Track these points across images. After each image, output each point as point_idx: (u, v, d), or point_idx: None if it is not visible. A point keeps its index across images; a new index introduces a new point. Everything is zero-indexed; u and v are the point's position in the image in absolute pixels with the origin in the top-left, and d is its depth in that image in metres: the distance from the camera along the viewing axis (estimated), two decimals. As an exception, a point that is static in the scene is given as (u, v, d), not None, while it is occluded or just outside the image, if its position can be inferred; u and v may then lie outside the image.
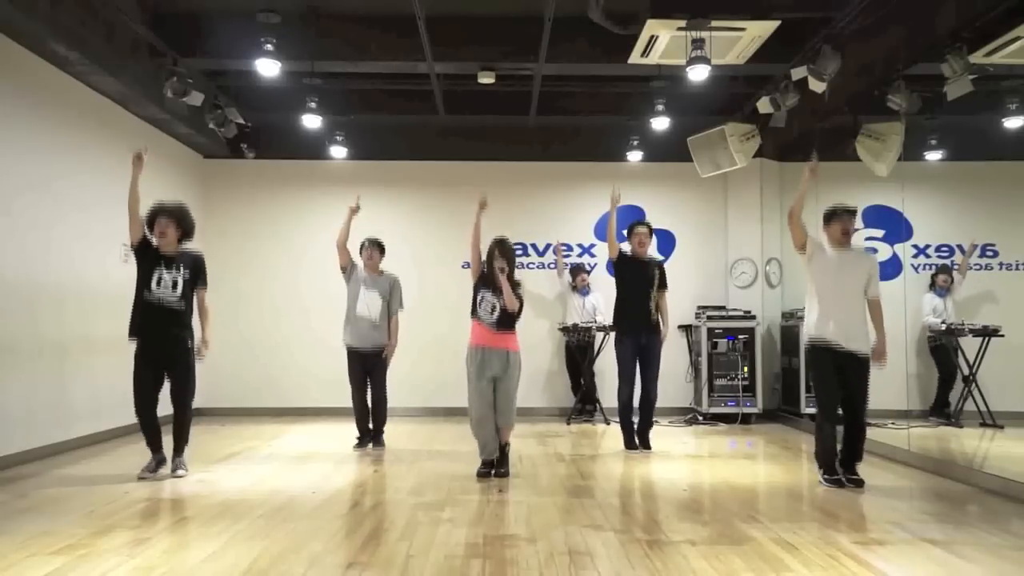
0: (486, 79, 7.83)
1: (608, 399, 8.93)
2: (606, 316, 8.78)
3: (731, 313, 9.12)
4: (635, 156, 9.64)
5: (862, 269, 5.34)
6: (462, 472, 5.74)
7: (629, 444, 6.75)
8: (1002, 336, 7.82)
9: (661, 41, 6.41)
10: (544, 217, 9.83)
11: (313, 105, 8.06)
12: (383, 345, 6.81)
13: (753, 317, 9.04)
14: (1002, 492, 5.04)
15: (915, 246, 8.77)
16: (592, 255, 9.88)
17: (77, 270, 6.91)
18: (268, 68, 6.89)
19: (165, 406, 5.62)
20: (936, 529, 4.17)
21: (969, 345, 8.01)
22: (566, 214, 9.86)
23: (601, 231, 9.87)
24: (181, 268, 5.58)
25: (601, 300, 9.09)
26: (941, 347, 8.20)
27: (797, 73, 6.64)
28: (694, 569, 3.44)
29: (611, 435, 7.73)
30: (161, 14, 7.18)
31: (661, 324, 6.79)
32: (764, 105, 7.45)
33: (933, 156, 8.48)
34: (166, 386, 5.58)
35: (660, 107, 8.35)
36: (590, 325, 8.89)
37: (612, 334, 8.63)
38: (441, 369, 9.01)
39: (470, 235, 5.84)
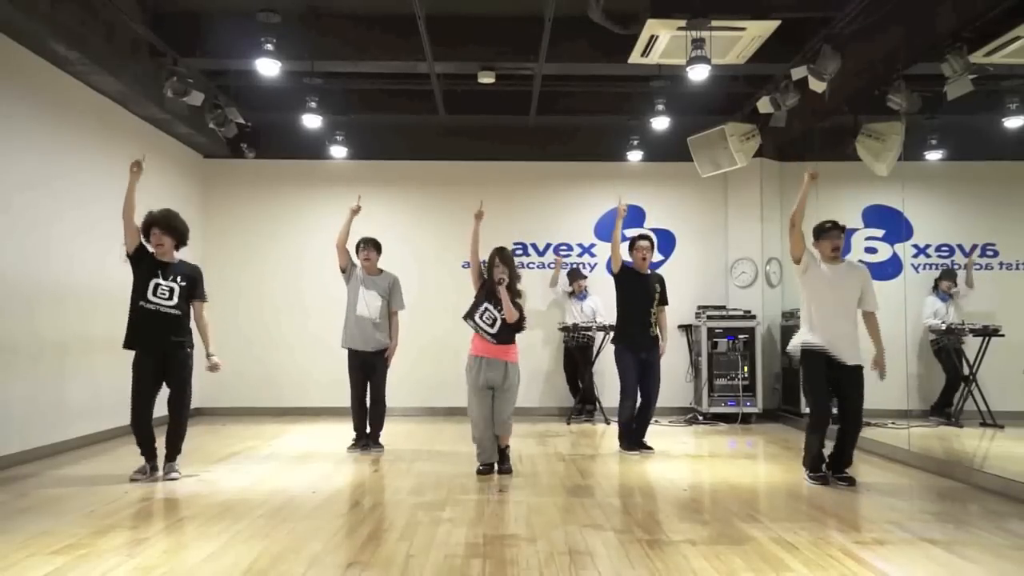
0: (486, 79, 7.83)
1: (608, 399, 8.94)
2: (606, 317, 8.78)
3: (731, 313, 9.12)
4: (635, 156, 9.64)
5: (855, 282, 5.41)
6: (462, 472, 5.74)
7: (631, 447, 6.72)
8: (1002, 336, 7.82)
9: (661, 41, 6.41)
10: (544, 217, 9.84)
11: (313, 105, 8.06)
12: (385, 345, 6.77)
13: (753, 317, 9.04)
14: (1002, 492, 5.04)
15: (915, 246, 8.77)
16: (592, 255, 9.88)
17: (77, 270, 6.91)
18: (268, 68, 6.89)
19: (159, 408, 5.61)
20: (936, 529, 4.17)
21: (969, 345, 8.01)
22: (566, 214, 9.86)
23: (602, 231, 9.87)
24: (177, 277, 5.58)
25: (599, 302, 9.09)
26: (944, 349, 8.20)
27: (797, 73, 6.63)
28: (694, 569, 3.44)
29: (611, 435, 7.73)
30: (161, 14, 7.18)
31: (660, 339, 6.74)
32: (764, 105, 7.45)
33: (933, 156, 8.47)
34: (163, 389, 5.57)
35: (660, 107, 8.35)
36: (590, 325, 8.89)
37: (612, 334, 8.67)
38: (441, 369, 9.02)
39: (469, 244, 5.81)
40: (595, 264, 9.82)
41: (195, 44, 7.26)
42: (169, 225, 5.58)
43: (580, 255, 9.88)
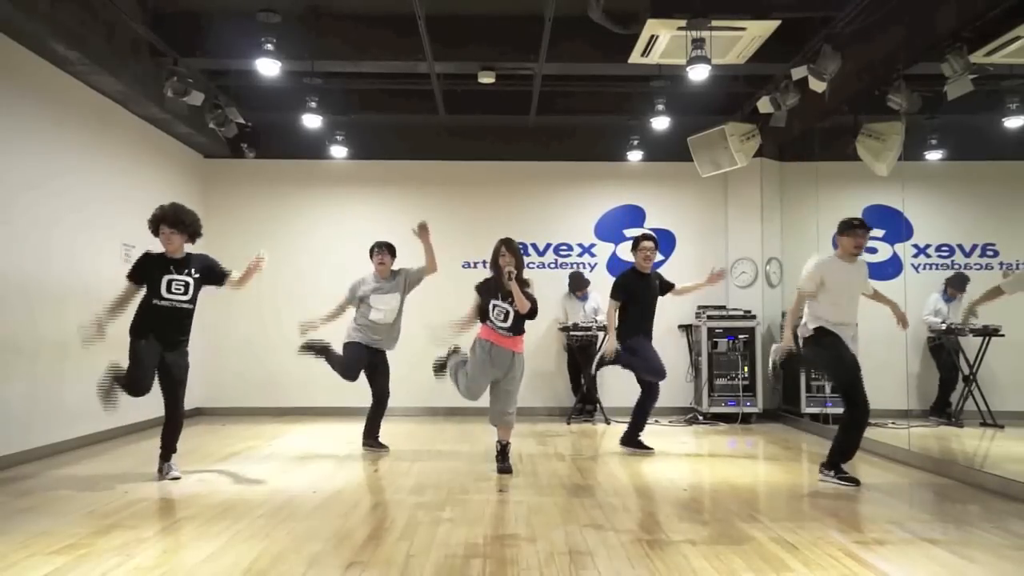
0: (486, 79, 7.83)
1: (608, 399, 8.94)
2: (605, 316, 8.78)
3: (731, 313, 9.12)
4: (635, 156, 9.64)
5: (862, 276, 5.51)
6: (462, 472, 5.74)
7: (642, 444, 6.70)
8: (1002, 336, 7.82)
9: (661, 41, 6.41)
10: (544, 217, 9.84)
11: (313, 105, 8.06)
12: (392, 344, 6.80)
13: (753, 317, 9.04)
14: (1002, 492, 5.04)
15: (915, 246, 8.77)
16: (592, 255, 9.88)
17: (77, 269, 6.91)
18: (268, 68, 6.89)
19: (156, 409, 5.60)
20: (936, 529, 4.17)
21: (969, 345, 8.01)
22: (566, 214, 9.87)
23: (602, 231, 9.88)
24: (191, 270, 5.52)
25: (600, 300, 9.09)
26: (941, 347, 8.20)
27: (797, 73, 6.64)
28: (694, 569, 3.44)
29: (611, 435, 7.73)
30: (161, 14, 7.18)
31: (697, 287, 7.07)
32: (764, 105, 7.46)
33: (933, 156, 8.47)
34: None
35: (660, 107, 8.35)
36: (591, 324, 8.89)
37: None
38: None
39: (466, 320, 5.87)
40: (595, 264, 9.81)
41: (195, 44, 7.26)
42: (177, 220, 5.47)
43: (580, 255, 9.88)
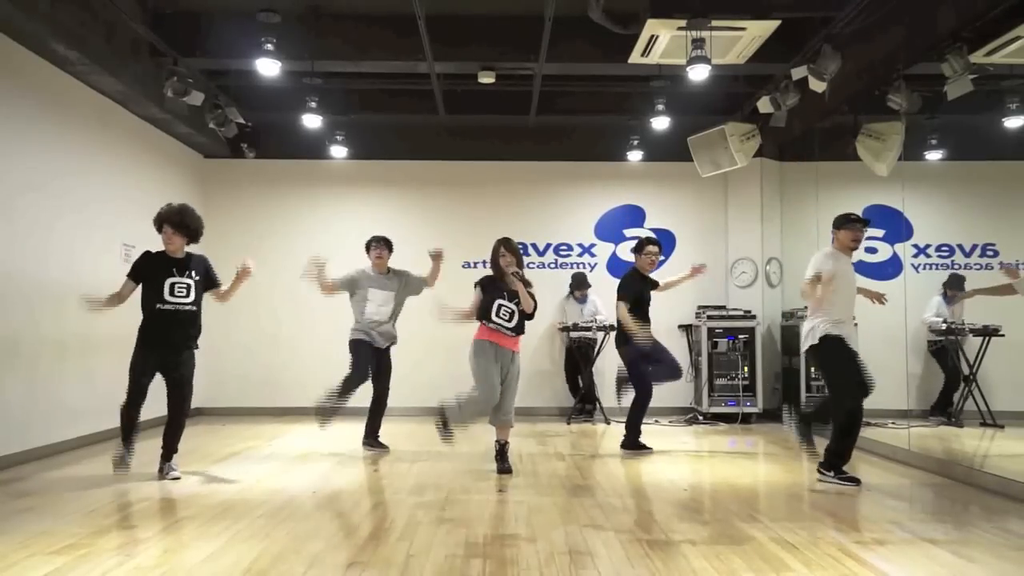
0: (486, 79, 7.83)
1: (608, 399, 8.93)
2: (607, 317, 8.78)
3: (731, 313, 9.12)
4: (635, 156, 9.64)
5: (853, 270, 5.52)
6: (462, 472, 5.74)
7: (643, 445, 6.69)
8: (1002, 336, 7.82)
9: (661, 41, 6.40)
10: (544, 217, 9.84)
11: (313, 105, 8.06)
12: (394, 341, 6.78)
13: (753, 317, 9.04)
14: (1002, 492, 5.04)
15: (915, 246, 8.77)
16: (592, 255, 9.88)
17: (77, 269, 6.90)
18: (268, 68, 6.89)
19: (156, 409, 5.61)
20: (936, 529, 4.17)
21: (969, 345, 8.01)
22: (566, 214, 9.87)
23: (602, 231, 9.88)
24: (192, 272, 5.50)
25: (599, 303, 9.10)
26: (943, 350, 8.20)
27: (797, 73, 6.63)
28: (694, 569, 3.44)
29: (611, 435, 7.73)
30: (161, 14, 7.18)
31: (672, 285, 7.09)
32: (764, 105, 7.45)
33: (933, 156, 8.47)
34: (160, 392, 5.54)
35: (660, 107, 8.35)
36: (590, 325, 8.89)
37: (612, 335, 8.66)
38: (441, 369, 9.00)
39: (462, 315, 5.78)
40: (595, 264, 9.81)
41: (195, 44, 7.26)
42: (181, 223, 5.46)
43: (580, 255, 9.88)
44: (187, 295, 5.45)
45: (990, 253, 8.71)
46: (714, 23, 6.06)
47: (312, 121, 8.32)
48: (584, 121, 9.73)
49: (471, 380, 5.76)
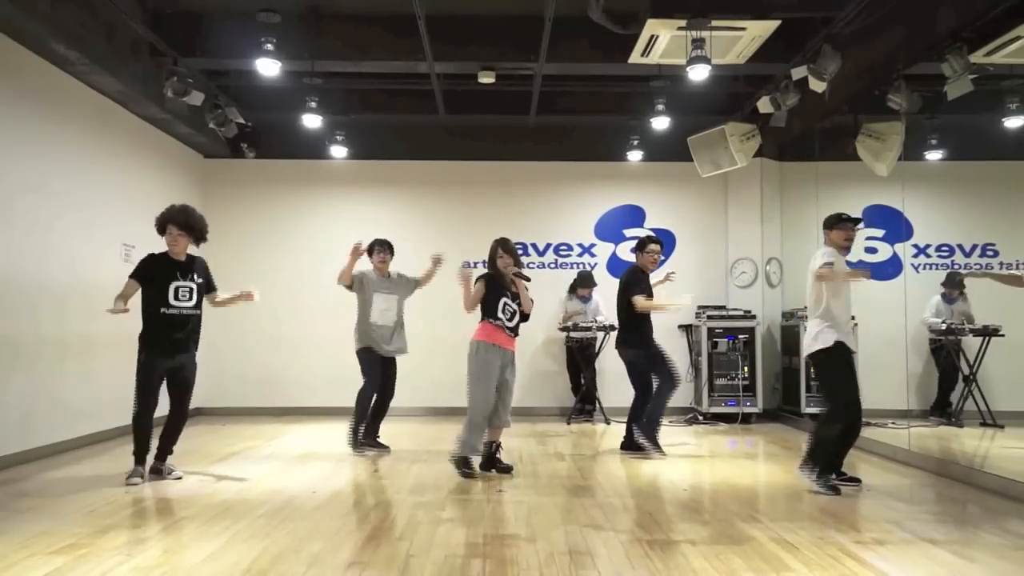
0: (486, 79, 7.83)
1: (608, 399, 8.94)
2: (608, 316, 8.77)
3: (731, 313, 9.12)
4: (635, 156, 9.64)
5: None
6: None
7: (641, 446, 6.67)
8: (1002, 336, 7.82)
9: (661, 41, 6.40)
10: (544, 217, 9.84)
11: (313, 105, 8.06)
12: (403, 348, 6.76)
13: (753, 317, 9.04)
14: (1002, 492, 5.04)
15: (915, 246, 8.77)
16: (592, 255, 9.88)
17: (77, 270, 6.91)
18: (268, 68, 6.89)
19: (156, 409, 5.60)
20: (936, 529, 4.17)
21: (969, 345, 8.01)
22: (566, 214, 9.87)
23: (602, 231, 9.88)
24: (194, 275, 5.48)
25: (600, 302, 9.08)
26: (942, 348, 8.20)
27: (797, 73, 6.64)
28: (694, 569, 3.44)
29: (611, 435, 7.73)
30: (161, 14, 7.18)
31: None
32: (764, 105, 7.45)
33: (933, 156, 8.48)
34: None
35: (660, 107, 8.35)
36: (591, 325, 8.88)
37: (612, 334, 8.65)
38: (442, 369, 9.00)
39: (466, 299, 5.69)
40: (595, 264, 9.81)
41: (195, 44, 7.26)
42: (187, 223, 5.41)
43: (580, 255, 9.88)
44: (190, 298, 5.44)
45: (990, 253, 8.72)
46: (714, 23, 6.06)
47: (312, 121, 8.32)
48: (584, 121, 9.73)
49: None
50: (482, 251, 5.89)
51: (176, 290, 5.37)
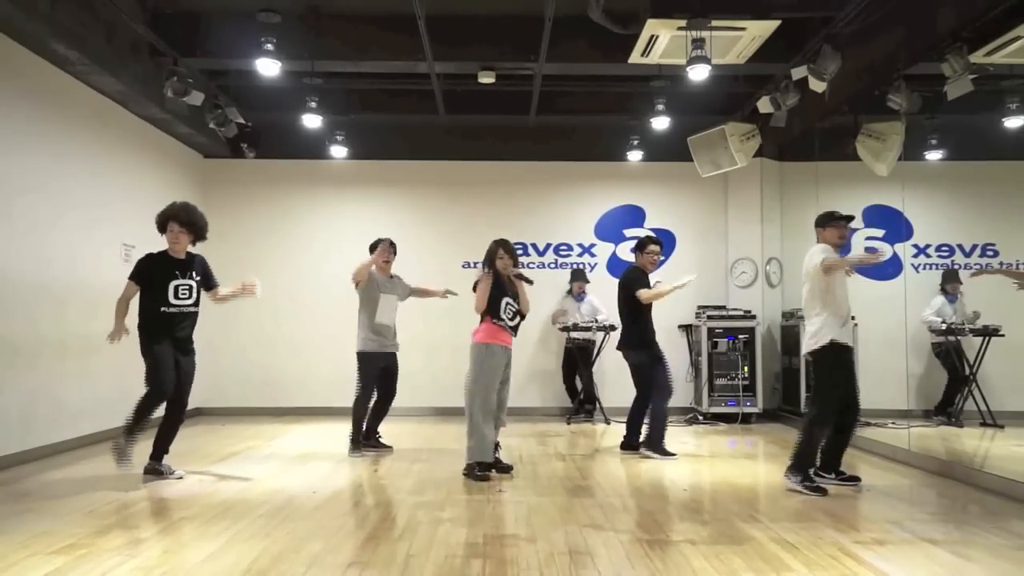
0: (486, 79, 7.83)
1: (608, 399, 8.94)
2: (607, 316, 8.77)
3: (731, 313, 9.12)
4: (635, 156, 9.64)
5: None
6: (462, 472, 5.73)
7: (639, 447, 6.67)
8: (1002, 336, 7.82)
9: (661, 41, 6.40)
10: (544, 217, 9.84)
11: (313, 105, 8.06)
12: (398, 346, 6.76)
13: (753, 317, 9.04)
14: (1002, 492, 5.04)
15: (915, 246, 8.77)
16: (592, 255, 9.88)
17: (77, 270, 6.91)
18: (268, 68, 6.89)
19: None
20: (936, 529, 4.17)
21: (969, 345, 8.01)
22: (566, 214, 9.87)
23: (602, 231, 9.88)
24: (193, 273, 5.48)
25: (596, 301, 9.08)
26: (945, 350, 8.19)
27: (797, 73, 6.63)
28: (694, 569, 3.44)
29: (611, 435, 7.73)
30: (161, 14, 7.18)
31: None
32: (764, 105, 7.45)
33: (933, 156, 8.47)
34: None
35: (660, 107, 8.35)
36: (590, 325, 8.88)
37: (612, 334, 8.66)
38: (442, 369, 9.01)
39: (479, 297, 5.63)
40: (595, 264, 9.81)
41: (195, 44, 7.26)
42: (189, 220, 5.41)
43: (580, 255, 9.88)
44: (190, 296, 5.44)
45: (990, 253, 8.72)
46: (714, 23, 6.06)
47: (312, 121, 8.32)
48: (584, 121, 9.73)
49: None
50: (481, 251, 5.88)
51: (176, 289, 5.37)
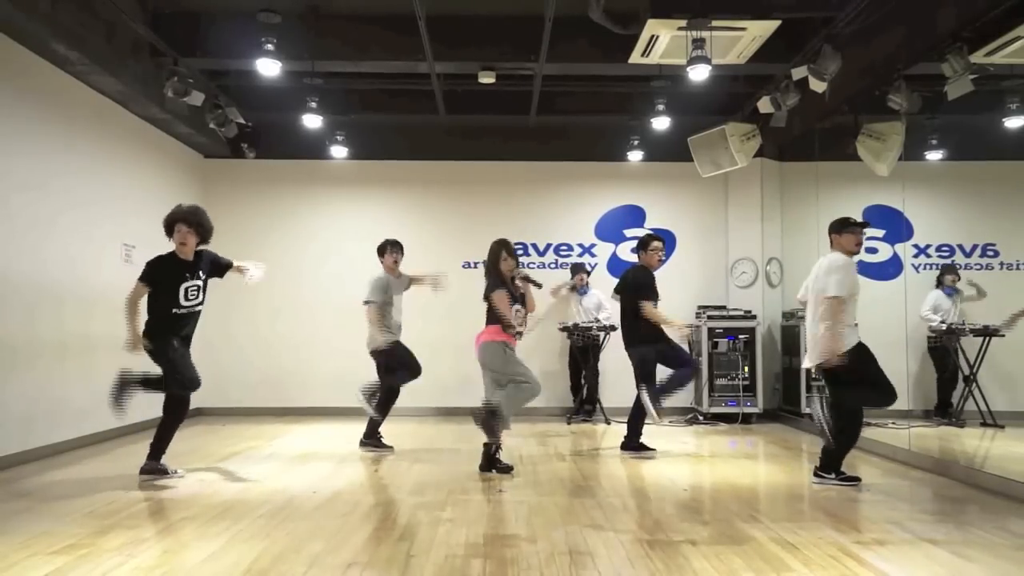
0: (486, 79, 7.83)
1: (608, 399, 8.94)
2: (611, 314, 8.76)
3: (732, 313, 9.11)
4: (635, 156, 9.64)
5: None
6: (462, 472, 5.74)
7: (644, 446, 6.65)
8: (1002, 336, 7.82)
9: (662, 41, 6.41)
10: (544, 217, 9.84)
11: (313, 105, 8.06)
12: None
13: (754, 317, 9.04)
14: (1002, 492, 5.04)
15: (915, 246, 8.77)
16: (592, 255, 9.88)
17: (76, 270, 6.91)
18: (268, 68, 6.89)
19: (155, 409, 5.61)
20: (936, 529, 4.17)
21: (970, 345, 8.01)
22: (566, 214, 9.87)
23: (602, 231, 9.88)
24: (200, 272, 5.50)
25: (602, 297, 9.05)
26: (940, 347, 8.20)
27: (798, 73, 6.63)
28: (695, 569, 3.44)
29: (611, 435, 7.73)
30: (161, 14, 7.19)
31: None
32: (765, 105, 7.45)
33: (934, 156, 8.47)
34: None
35: (660, 107, 8.35)
36: (591, 325, 8.86)
37: (612, 333, 8.66)
38: (443, 370, 9.00)
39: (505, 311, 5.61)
40: (595, 264, 9.81)
41: (195, 44, 7.26)
42: (197, 223, 5.42)
43: (580, 255, 9.88)
44: (198, 296, 5.49)
45: (990, 253, 8.72)
46: (714, 23, 6.06)
47: (312, 121, 8.32)
48: (584, 121, 9.73)
49: (477, 380, 5.77)
50: (481, 251, 5.89)
51: (186, 291, 5.39)
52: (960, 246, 8.80)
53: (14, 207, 6.13)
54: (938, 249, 8.82)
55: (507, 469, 5.69)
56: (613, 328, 8.56)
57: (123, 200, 7.73)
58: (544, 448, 6.99)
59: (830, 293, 5.14)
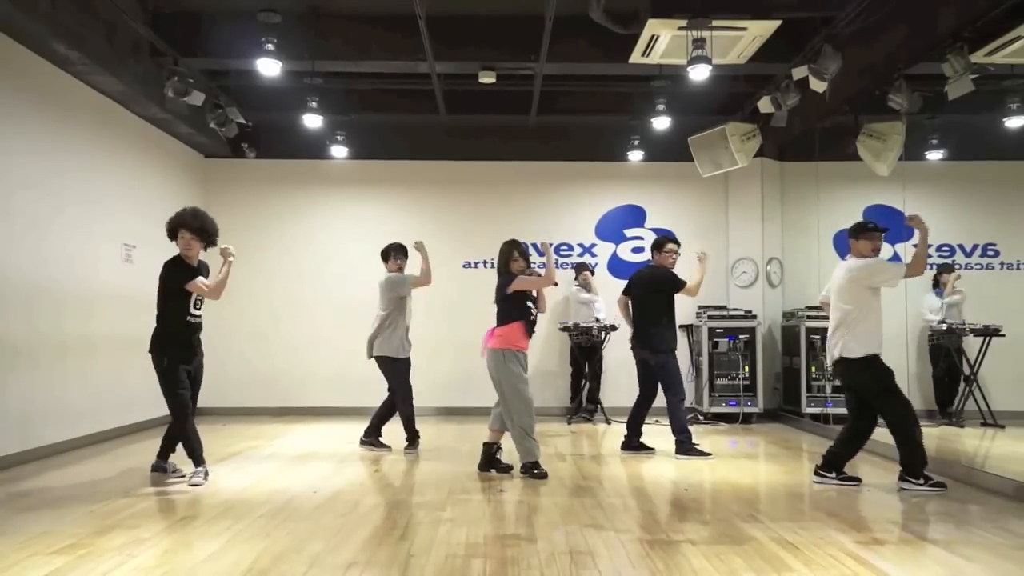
0: (487, 79, 7.83)
1: (608, 399, 8.94)
2: (608, 315, 8.77)
3: (732, 313, 9.11)
4: (636, 156, 9.64)
5: None
6: (463, 472, 5.74)
7: (644, 446, 6.67)
8: (1003, 336, 7.82)
9: (662, 41, 6.40)
10: (544, 217, 9.82)
11: (314, 105, 8.07)
12: None
13: (754, 317, 9.03)
14: (1002, 492, 5.04)
15: (916, 246, 8.75)
16: (592, 255, 9.88)
17: (77, 270, 6.91)
18: (269, 68, 6.89)
19: (156, 409, 5.60)
20: (936, 529, 4.18)
21: (970, 345, 8.01)
22: (567, 214, 9.86)
23: (602, 231, 9.88)
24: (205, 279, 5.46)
25: (599, 300, 9.05)
26: (936, 346, 8.20)
27: (798, 73, 6.63)
28: (695, 569, 3.44)
29: (612, 435, 7.73)
30: (161, 14, 7.19)
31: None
32: (765, 105, 7.45)
33: (934, 156, 8.48)
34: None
35: (661, 107, 8.36)
36: (591, 325, 8.85)
37: (613, 334, 8.66)
38: (444, 370, 8.99)
39: (539, 280, 5.64)
40: (595, 264, 9.80)
41: (196, 44, 7.27)
42: (200, 227, 5.34)
43: (580, 255, 9.88)
44: (200, 306, 5.43)
45: (990, 253, 8.72)
46: (715, 23, 6.06)
47: (312, 121, 8.33)
48: (584, 121, 9.73)
49: (483, 382, 5.76)
50: (482, 251, 5.90)
51: (195, 300, 5.34)
52: (961, 246, 8.81)
53: (14, 207, 6.13)
54: (939, 249, 8.82)
55: (507, 469, 5.69)
56: (614, 328, 8.56)
57: (123, 200, 7.73)
58: (544, 448, 6.96)
59: (891, 279, 5.28)
